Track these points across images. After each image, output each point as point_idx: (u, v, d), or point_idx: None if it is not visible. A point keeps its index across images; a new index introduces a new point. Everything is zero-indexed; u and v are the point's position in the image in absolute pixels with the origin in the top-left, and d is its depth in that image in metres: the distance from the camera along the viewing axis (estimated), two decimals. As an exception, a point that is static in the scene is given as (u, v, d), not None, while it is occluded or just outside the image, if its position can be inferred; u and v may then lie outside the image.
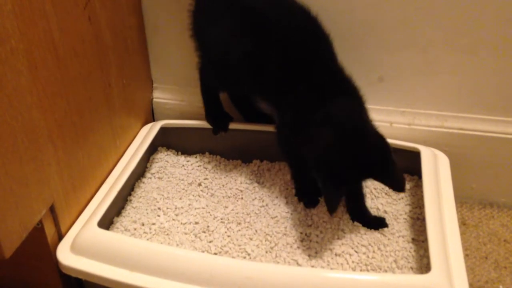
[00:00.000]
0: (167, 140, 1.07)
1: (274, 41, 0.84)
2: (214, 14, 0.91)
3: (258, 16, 0.86)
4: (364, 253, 0.80)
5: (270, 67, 0.85)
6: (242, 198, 0.93)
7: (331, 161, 0.76)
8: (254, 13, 0.87)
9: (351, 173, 0.76)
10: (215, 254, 0.81)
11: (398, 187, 0.79)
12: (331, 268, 0.78)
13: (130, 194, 0.94)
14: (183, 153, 1.07)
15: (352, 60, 0.97)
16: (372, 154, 0.76)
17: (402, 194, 0.92)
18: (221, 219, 0.88)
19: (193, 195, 0.94)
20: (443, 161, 0.93)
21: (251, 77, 0.89)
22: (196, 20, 0.95)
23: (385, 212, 0.88)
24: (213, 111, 1.03)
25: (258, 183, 0.97)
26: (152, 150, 1.04)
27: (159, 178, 0.99)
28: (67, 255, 0.75)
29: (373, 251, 0.80)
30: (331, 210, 0.76)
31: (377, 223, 0.86)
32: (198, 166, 1.03)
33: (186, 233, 0.85)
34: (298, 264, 0.78)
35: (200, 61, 0.98)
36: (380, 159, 0.76)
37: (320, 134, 0.78)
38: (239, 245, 0.82)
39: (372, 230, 0.84)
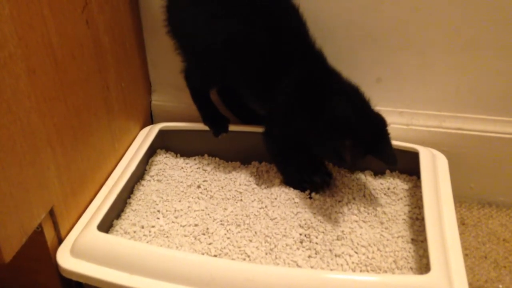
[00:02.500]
0: (166, 143, 1.07)
1: (259, 22, 0.86)
2: (191, 2, 0.91)
3: None
4: (363, 254, 0.80)
5: (257, 50, 0.87)
6: (241, 199, 0.93)
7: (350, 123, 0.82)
8: None
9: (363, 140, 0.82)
10: (215, 256, 0.81)
11: (391, 161, 0.84)
12: (331, 269, 0.78)
13: (129, 197, 0.94)
14: (182, 156, 1.07)
15: (350, 61, 0.98)
16: (374, 129, 0.84)
17: (401, 195, 0.92)
18: (221, 221, 0.88)
19: (192, 197, 0.94)
20: (442, 161, 0.93)
21: (237, 64, 0.90)
22: (172, 13, 0.95)
23: (384, 212, 0.88)
24: (209, 114, 1.04)
25: (257, 184, 0.98)
26: (151, 152, 1.04)
27: (158, 180, 0.99)
28: (67, 259, 0.75)
29: (373, 252, 0.80)
30: (349, 164, 0.87)
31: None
32: (197, 168, 1.03)
33: (185, 236, 0.85)
34: (298, 266, 0.79)
35: (184, 64, 0.99)
36: (378, 134, 0.84)
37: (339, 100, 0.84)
38: (239, 247, 0.82)
39: (371, 229, 0.84)
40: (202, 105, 1.03)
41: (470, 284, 0.73)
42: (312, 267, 0.78)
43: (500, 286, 0.87)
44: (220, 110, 1.05)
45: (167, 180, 0.99)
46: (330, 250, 0.81)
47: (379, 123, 0.84)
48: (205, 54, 0.92)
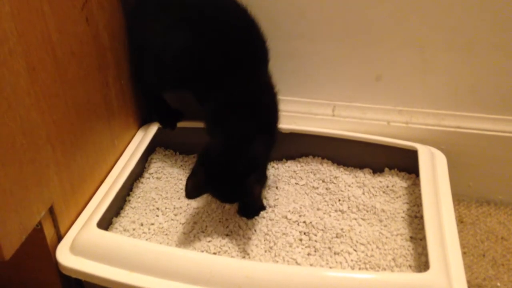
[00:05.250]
0: (165, 140, 1.07)
1: (209, 36, 0.87)
2: (152, 13, 0.92)
3: (194, 11, 0.88)
4: (362, 252, 0.80)
5: (202, 61, 0.88)
6: (240, 197, 0.93)
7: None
8: (191, 9, 0.89)
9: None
10: (214, 253, 0.81)
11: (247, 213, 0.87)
12: (330, 267, 0.78)
13: (128, 195, 0.94)
14: (181, 153, 1.07)
15: (349, 59, 0.98)
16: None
17: (400, 193, 0.92)
18: (220, 218, 0.88)
19: (191, 195, 0.94)
20: (441, 159, 0.93)
21: (187, 72, 0.91)
22: (133, 21, 0.95)
23: (383, 210, 0.88)
24: (158, 109, 1.06)
25: (257, 182, 0.97)
26: (150, 150, 1.04)
27: (157, 178, 0.99)
28: (66, 256, 0.75)
29: (372, 250, 0.80)
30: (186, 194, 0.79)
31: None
32: (196, 166, 1.03)
33: (185, 233, 0.85)
34: (297, 263, 0.79)
35: (136, 62, 0.99)
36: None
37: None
38: (238, 245, 0.83)
39: (370, 227, 0.85)
40: (150, 100, 1.06)
41: (468, 282, 0.73)
42: (311, 265, 0.78)
43: (498, 284, 0.87)
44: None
45: (166, 177, 0.99)
46: (329, 248, 0.81)
47: (244, 163, 0.80)
48: (160, 64, 0.93)
